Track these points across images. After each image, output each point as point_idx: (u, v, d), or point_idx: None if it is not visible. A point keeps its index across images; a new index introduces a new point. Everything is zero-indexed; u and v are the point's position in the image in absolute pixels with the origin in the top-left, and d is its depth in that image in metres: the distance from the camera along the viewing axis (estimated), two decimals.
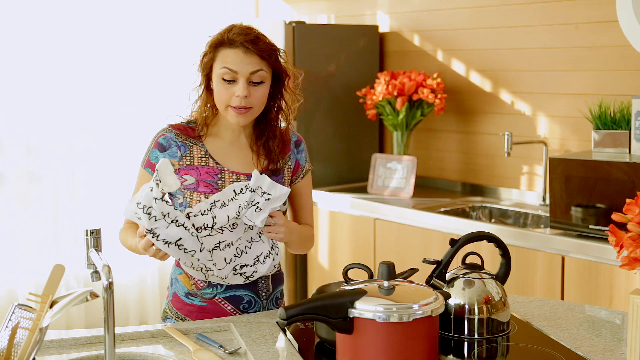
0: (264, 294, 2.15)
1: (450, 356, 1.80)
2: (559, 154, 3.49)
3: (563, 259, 2.99)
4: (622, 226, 1.60)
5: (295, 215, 2.24)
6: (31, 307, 1.57)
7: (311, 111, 4.14)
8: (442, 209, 3.64)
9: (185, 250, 1.92)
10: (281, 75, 2.11)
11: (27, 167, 4.21)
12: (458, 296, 1.86)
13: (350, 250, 3.93)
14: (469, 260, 1.96)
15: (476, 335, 1.85)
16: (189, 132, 2.13)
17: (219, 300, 2.12)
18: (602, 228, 2.85)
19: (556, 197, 3.02)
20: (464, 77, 3.98)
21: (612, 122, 3.07)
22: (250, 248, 2.03)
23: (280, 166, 2.15)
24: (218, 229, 1.96)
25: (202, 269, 1.99)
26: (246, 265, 2.03)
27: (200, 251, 1.94)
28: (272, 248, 2.06)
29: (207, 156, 2.11)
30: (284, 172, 2.16)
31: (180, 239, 1.89)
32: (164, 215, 1.87)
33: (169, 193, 2.11)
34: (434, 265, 1.91)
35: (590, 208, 2.92)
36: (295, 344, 1.83)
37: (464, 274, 1.89)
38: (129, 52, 4.37)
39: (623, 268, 1.57)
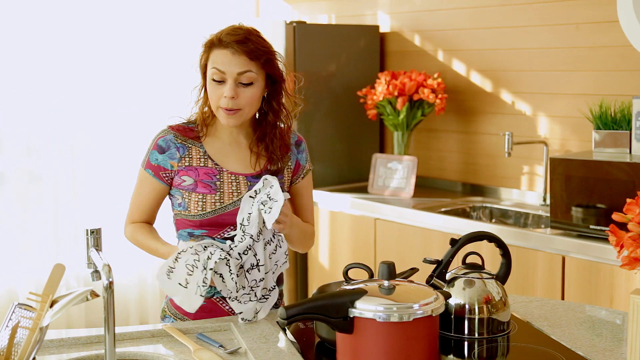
0: None
1: (451, 356, 1.80)
2: (559, 154, 3.48)
3: (563, 259, 2.99)
4: (623, 226, 1.60)
5: (296, 215, 2.24)
6: (31, 307, 1.57)
7: (312, 111, 4.14)
8: (443, 209, 3.64)
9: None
10: (276, 78, 2.10)
11: (27, 167, 4.21)
12: (458, 296, 1.86)
13: (351, 250, 3.93)
14: (469, 260, 1.96)
15: (476, 335, 1.85)
16: (188, 133, 2.13)
17: (217, 299, 2.12)
18: (603, 228, 2.85)
19: (557, 197, 3.02)
20: (464, 77, 3.98)
21: (613, 122, 3.07)
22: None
23: (280, 167, 2.15)
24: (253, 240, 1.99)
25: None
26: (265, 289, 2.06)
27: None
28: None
29: (205, 157, 2.11)
30: (284, 172, 2.16)
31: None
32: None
33: (170, 194, 2.14)
34: (435, 265, 1.91)
35: (590, 208, 2.92)
36: (296, 344, 1.83)
37: (464, 273, 1.89)
38: (129, 52, 4.37)
39: (623, 268, 1.57)
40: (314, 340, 1.86)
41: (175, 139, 2.12)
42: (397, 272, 1.85)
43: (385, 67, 4.40)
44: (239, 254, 1.98)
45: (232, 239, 2.04)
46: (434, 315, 1.61)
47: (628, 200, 1.62)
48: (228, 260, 1.94)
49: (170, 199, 2.15)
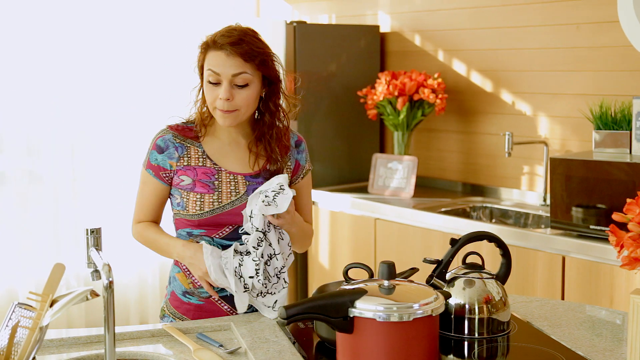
0: None
1: (451, 356, 1.80)
2: (559, 154, 3.48)
3: (563, 259, 2.99)
4: (623, 226, 1.60)
5: None
6: (31, 306, 1.57)
7: (312, 111, 4.14)
8: (443, 209, 3.64)
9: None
10: (272, 79, 2.10)
11: (27, 167, 4.21)
12: (458, 296, 1.86)
13: (351, 250, 3.93)
14: (469, 260, 1.96)
15: (476, 335, 1.85)
16: (187, 133, 2.14)
17: (216, 299, 2.12)
18: (603, 228, 2.85)
19: (557, 197, 3.02)
20: (464, 77, 3.98)
21: (613, 122, 3.07)
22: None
23: (279, 167, 2.15)
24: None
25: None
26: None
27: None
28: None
29: (204, 157, 2.11)
30: (283, 172, 2.16)
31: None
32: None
33: (170, 193, 2.14)
34: (435, 265, 1.91)
35: (590, 208, 2.92)
36: (296, 344, 1.83)
37: (464, 273, 1.89)
38: (129, 52, 4.37)
39: (623, 268, 1.56)
40: (313, 340, 1.86)
41: (174, 138, 2.12)
42: (397, 272, 1.85)
43: (385, 67, 4.40)
44: (253, 246, 2.00)
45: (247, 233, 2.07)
46: (434, 315, 1.61)
47: (628, 200, 1.61)
48: (258, 264, 2.00)
49: (170, 198, 2.15)
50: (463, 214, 3.70)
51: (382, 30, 4.37)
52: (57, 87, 4.20)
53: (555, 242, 3.00)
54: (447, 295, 1.78)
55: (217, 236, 2.09)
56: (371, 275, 1.84)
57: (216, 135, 2.15)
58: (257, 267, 1.99)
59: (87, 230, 1.67)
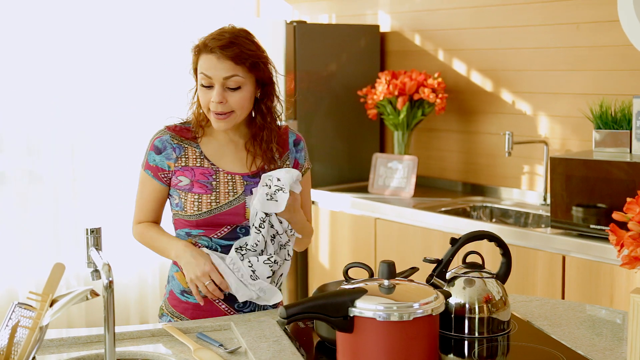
0: None
1: (451, 355, 1.80)
2: (559, 153, 3.48)
3: (564, 258, 2.99)
4: (623, 225, 1.60)
5: None
6: (31, 306, 1.57)
7: (312, 111, 4.13)
8: (443, 209, 3.64)
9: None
10: (264, 81, 2.10)
11: (27, 167, 4.21)
12: (458, 295, 1.85)
13: (351, 250, 3.93)
14: (469, 259, 1.96)
15: (477, 335, 1.85)
16: (184, 134, 2.14)
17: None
18: (603, 227, 2.85)
19: (557, 196, 3.02)
20: (464, 76, 3.98)
21: (613, 121, 3.07)
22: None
23: (278, 166, 2.15)
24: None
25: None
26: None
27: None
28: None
29: (202, 157, 2.11)
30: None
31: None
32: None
33: (169, 194, 2.14)
34: (435, 265, 1.91)
35: (591, 208, 2.92)
36: (296, 343, 1.83)
37: (464, 273, 1.89)
38: (128, 52, 4.37)
39: (624, 267, 1.56)
40: (313, 339, 1.86)
41: (172, 139, 2.12)
42: (397, 271, 1.85)
43: (385, 66, 4.40)
44: (256, 227, 2.03)
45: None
46: (434, 314, 1.60)
47: (628, 199, 1.61)
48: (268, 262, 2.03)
49: (169, 199, 2.16)
50: (463, 213, 3.70)
51: (382, 29, 4.37)
52: (57, 87, 4.20)
53: (556, 242, 3.00)
54: (447, 295, 1.78)
55: (215, 236, 2.09)
56: (371, 275, 1.84)
57: (213, 136, 2.15)
58: (271, 267, 2.02)
59: (87, 230, 1.67)
